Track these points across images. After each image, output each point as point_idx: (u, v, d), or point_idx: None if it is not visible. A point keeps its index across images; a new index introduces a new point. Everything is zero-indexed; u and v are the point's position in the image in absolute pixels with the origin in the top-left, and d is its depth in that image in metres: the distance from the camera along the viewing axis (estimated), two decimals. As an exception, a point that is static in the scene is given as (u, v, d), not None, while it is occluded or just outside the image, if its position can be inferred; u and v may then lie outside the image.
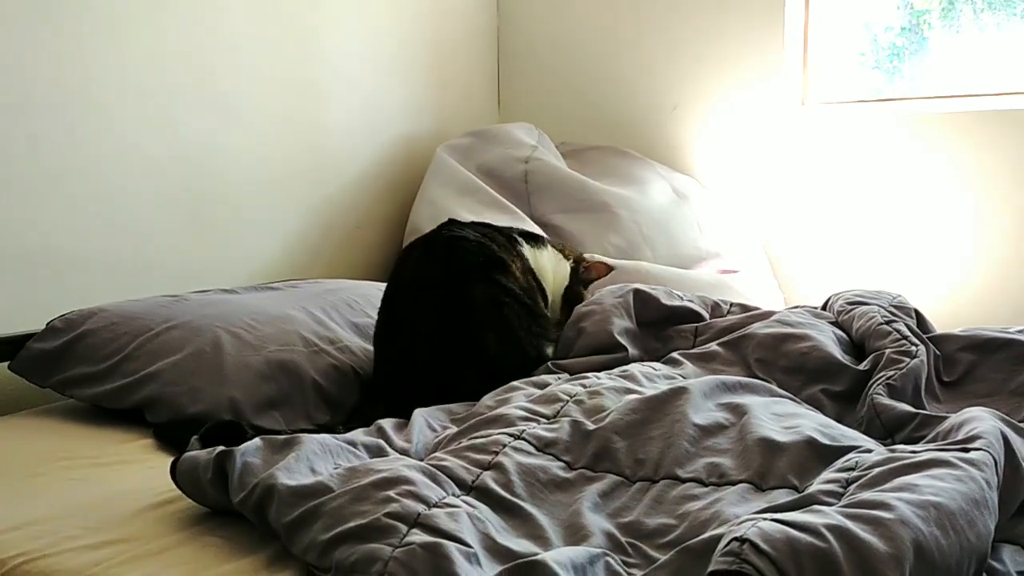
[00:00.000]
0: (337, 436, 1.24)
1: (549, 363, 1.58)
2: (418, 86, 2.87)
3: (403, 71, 2.81)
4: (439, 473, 1.12)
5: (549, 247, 1.85)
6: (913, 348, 1.48)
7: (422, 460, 1.19)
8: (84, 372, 1.61)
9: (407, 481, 1.06)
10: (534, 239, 1.82)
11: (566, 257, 1.87)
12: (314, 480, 1.08)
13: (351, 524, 0.99)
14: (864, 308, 1.67)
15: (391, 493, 1.03)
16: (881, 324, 1.57)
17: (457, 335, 1.55)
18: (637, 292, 1.78)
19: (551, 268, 1.81)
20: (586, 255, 1.97)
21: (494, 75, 3.20)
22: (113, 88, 2.00)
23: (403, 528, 0.98)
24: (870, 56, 2.80)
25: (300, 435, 1.19)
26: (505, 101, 3.21)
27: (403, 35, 2.79)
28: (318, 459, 1.15)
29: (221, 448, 1.15)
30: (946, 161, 2.54)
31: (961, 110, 2.55)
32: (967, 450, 1.01)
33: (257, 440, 1.18)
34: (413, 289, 1.61)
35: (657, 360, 1.64)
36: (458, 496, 1.09)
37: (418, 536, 0.96)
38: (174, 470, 1.18)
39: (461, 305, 1.56)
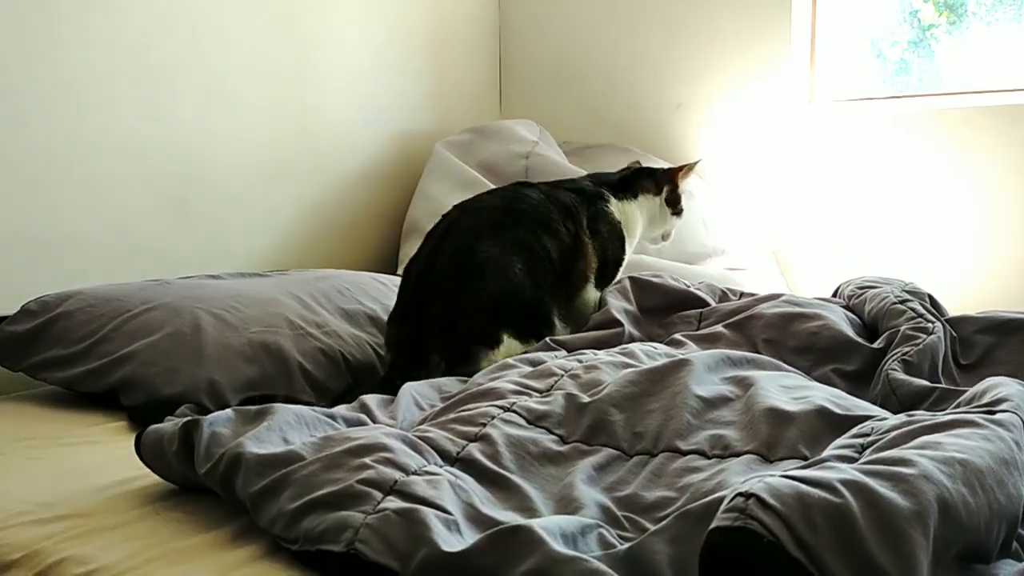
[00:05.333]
0: (315, 408, 1.16)
1: (547, 340, 1.51)
2: (418, 82, 2.80)
3: (402, 66, 2.74)
4: (421, 443, 1.04)
5: (640, 196, 1.89)
6: (929, 325, 1.40)
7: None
8: (57, 355, 1.53)
9: (385, 448, 0.98)
10: (624, 190, 1.86)
11: (658, 192, 1.92)
12: (285, 449, 1.00)
13: (322, 492, 0.92)
14: (876, 291, 1.60)
15: (367, 460, 0.95)
16: (895, 303, 1.50)
17: (466, 265, 1.57)
18: (634, 279, 1.73)
19: (641, 214, 1.88)
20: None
21: (496, 73, 3.13)
22: (99, 71, 1.94)
23: (378, 495, 0.90)
24: (877, 71, 2.73)
25: (275, 405, 1.11)
26: (507, 99, 3.15)
27: (403, 29, 2.73)
28: (292, 430, 1.07)
29: (188, 418, 1.07)
30: (956, 158, 2.45)
31: (971, 106, 2.47)
32: (993, 412, 0.93)
33: (228, 411, 1.11)
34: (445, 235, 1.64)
35: (659, 345, 1.57)
36: (441, 466, 1.01)
37: (393, 503, 0.88)
38: (139, 443, 1.10)
39: (475, 251, 1.58)
